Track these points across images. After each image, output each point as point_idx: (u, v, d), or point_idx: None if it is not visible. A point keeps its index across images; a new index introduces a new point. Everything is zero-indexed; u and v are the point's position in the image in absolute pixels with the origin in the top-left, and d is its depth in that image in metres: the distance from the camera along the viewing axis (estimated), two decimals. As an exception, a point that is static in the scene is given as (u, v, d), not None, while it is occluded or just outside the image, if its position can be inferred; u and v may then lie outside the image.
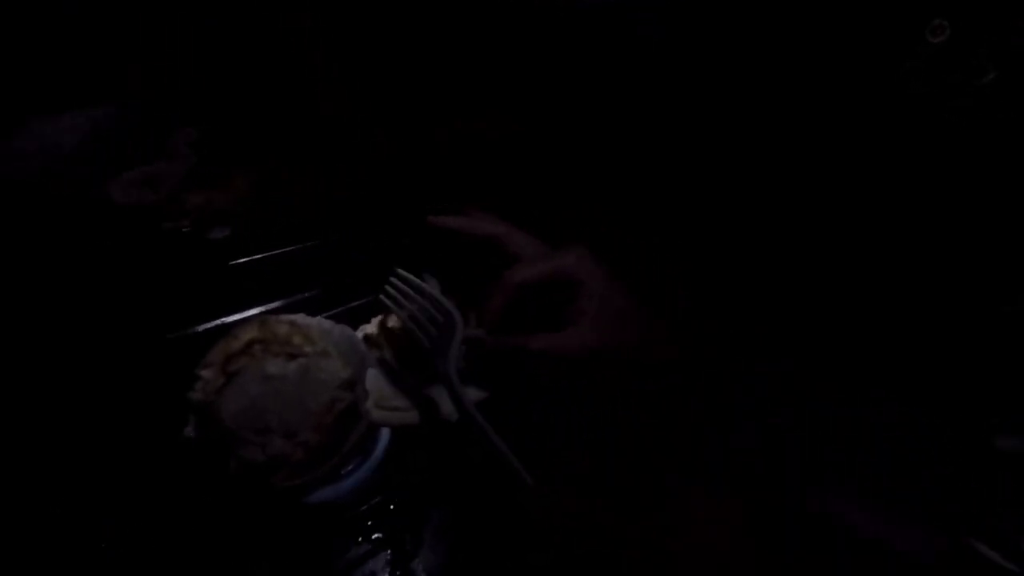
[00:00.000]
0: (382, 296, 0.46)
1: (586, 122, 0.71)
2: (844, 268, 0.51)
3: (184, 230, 0.53)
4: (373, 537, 0.48)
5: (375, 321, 0.55)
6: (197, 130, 0.61)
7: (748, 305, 0.52)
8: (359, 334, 0.51)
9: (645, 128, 0.66)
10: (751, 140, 0.57)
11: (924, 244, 0.47)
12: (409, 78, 0.73)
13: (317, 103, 0.72)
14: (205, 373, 0.45)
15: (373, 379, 0.49)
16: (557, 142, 0.72)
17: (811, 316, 0.50)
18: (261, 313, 0.56)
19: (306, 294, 0.60)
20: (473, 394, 0.44)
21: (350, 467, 0.48)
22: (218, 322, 0.56)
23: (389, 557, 0.47)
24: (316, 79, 0.71)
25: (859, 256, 0.50)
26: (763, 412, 0.43)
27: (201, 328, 0.55)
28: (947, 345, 0.45)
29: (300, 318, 0.49)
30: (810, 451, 0.40)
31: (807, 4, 0.51)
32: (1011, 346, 0.43)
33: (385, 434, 0.52)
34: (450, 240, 0.48)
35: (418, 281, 0.45)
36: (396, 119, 0.71)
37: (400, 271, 0.46)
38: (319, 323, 0.50)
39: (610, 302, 0.42)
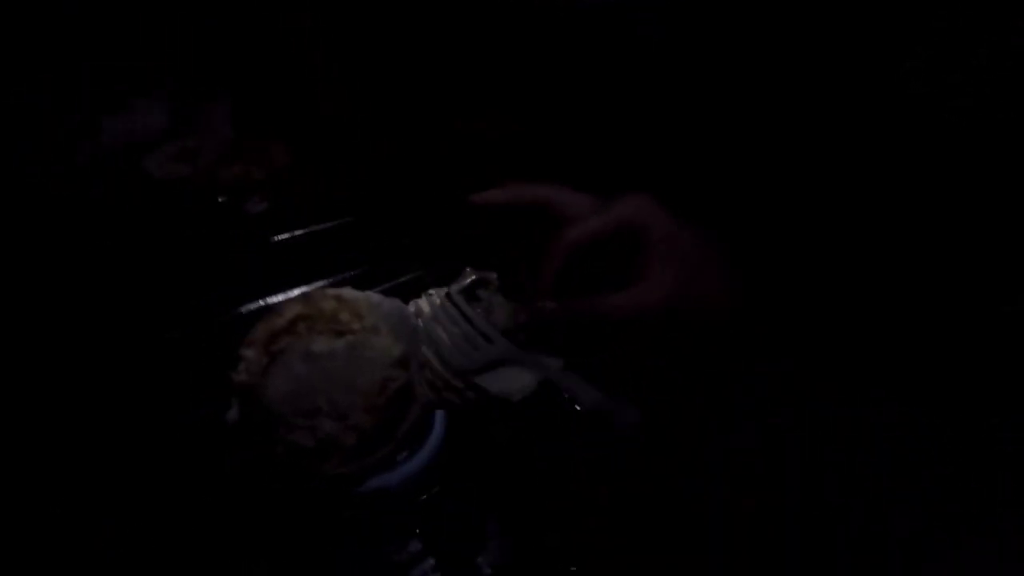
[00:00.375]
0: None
1: (586, 121, 0.68)
2: (843, 267, 0.46)
3: (220, 200, 0.50)
4: (430, 531, 0.44)
5: (428, 297, 0.51)
6: (233, 104, 0.58)
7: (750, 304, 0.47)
8: (410, 308, 0.47)
9: (645, 127, 0.62)
10: (751, 140, 0.53)
11: (924, 243, 0.43)
12: (409, 78, 0.70)
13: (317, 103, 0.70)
14: (248, 353, 0.42)
15: (428, 358, 0.45)
16: (557, 141, 0.69)
17: (811, 316, 0.45)
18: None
19: (351, 273, 0.57)
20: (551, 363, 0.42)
21: (405, 454, 0.44)
22: (261, 303, 0.53)
23: (448, 553, 0.43)
24: (316, 79, 0.69)
25: (859, 255, 0.46)
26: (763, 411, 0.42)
27: (244, 310, 0.52)
28: (947, 344, 0.41)
29: (347, 292, 0.45)
30: (810, 451, 0.39)
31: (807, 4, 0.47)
32: (1011, 346, 0.39)
33: (441, 419, 0.48)
34: (494, 218, 0.44)
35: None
36: (396, 119, 0.68)
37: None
38: (367, 297, 0.45)
39: (682, 246, 0.38)
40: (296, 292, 0.54)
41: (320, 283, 0.55)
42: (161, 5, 0.56)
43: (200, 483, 0.40)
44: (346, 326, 0.44)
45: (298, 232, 0.54)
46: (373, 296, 0.46)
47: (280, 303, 0.46)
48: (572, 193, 0.41)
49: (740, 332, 0.42)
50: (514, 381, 0.45)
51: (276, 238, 0.54)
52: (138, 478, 0.41)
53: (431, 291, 0.52)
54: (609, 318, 0.37)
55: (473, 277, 0.52)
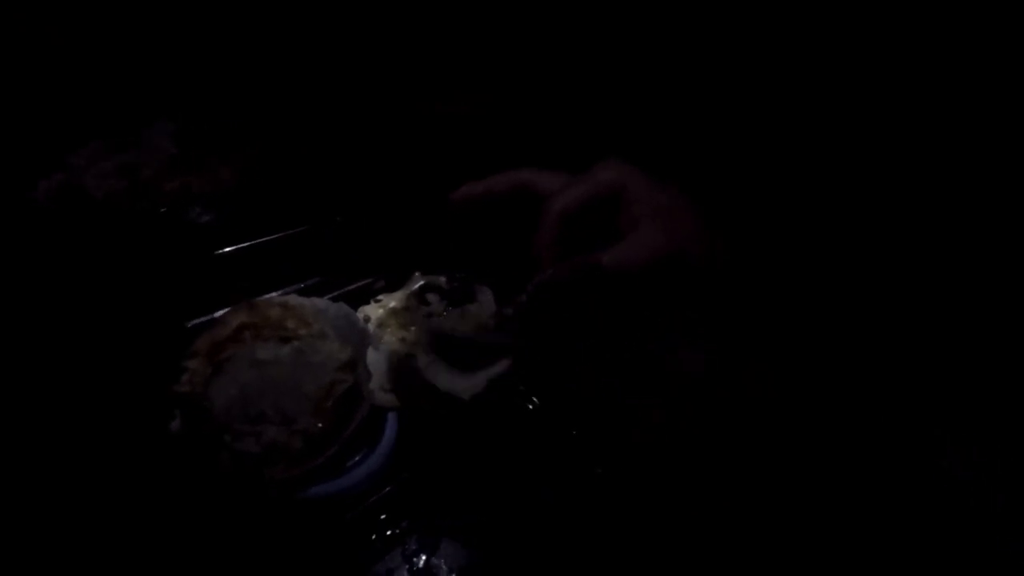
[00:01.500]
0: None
1: (556, 92, 0.69)
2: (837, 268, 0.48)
3: (162, 211, 0.49)
4: (387, 533, 0.43)
5: (377, 303, 0.51)
6: (176, 123, 0.58)
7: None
8: (359, 315, 0.47)
9: (632, 107, 0.63)
10: (745, 131, 0.55)
11: (922, 245, 0.45)
12: (386, 61, 0.70)
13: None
14: (191, 364, 0.41)
15: (376, 361, 0.46)
16: (528, 116, 0.70)
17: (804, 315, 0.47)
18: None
19: (301, 285, 0.56)
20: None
21: (356, 458, 0.44)
22: (208, 317, 0.52)
23: (405, 554, 0.43)
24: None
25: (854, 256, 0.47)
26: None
27: (190, 324, 0.52)
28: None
29: (292, 299, 0.46)
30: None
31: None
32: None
33: (392, 421, 0.48)
34: (475, 210, 0.45)
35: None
36: (376, 102, 0.68)
37: None
38: (313, 303, 0.46)
39: (661, 201, 0.39)
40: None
41: (269, 295, 0.55)
42: (103, 27, 0.56)
43: (189, 483, 0.39)
44: (292, 332, 0.44)
45: (244, 244, 0.54)
46: (319, 302, 0.46)
47: (225, 313, 0.45)
48: (550, 173, 0.42)
49: (723, 287, 0.42)
50: (464, 379, 0.46)
51: (222, 251, 0.53)
52: (123, 480, 0.40)
53: (380, 297, 0.53)
54: (604, 272, 0.38)
55: (422, 282, 0.53)
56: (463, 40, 0.67)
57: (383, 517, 0.44)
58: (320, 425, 0.39)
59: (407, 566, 0.42)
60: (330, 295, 0.53)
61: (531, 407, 0.49)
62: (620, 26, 0.61)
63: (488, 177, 0.44)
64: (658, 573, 0.42)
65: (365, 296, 0.50)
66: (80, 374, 0.46)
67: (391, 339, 0.49)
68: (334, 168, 0.61)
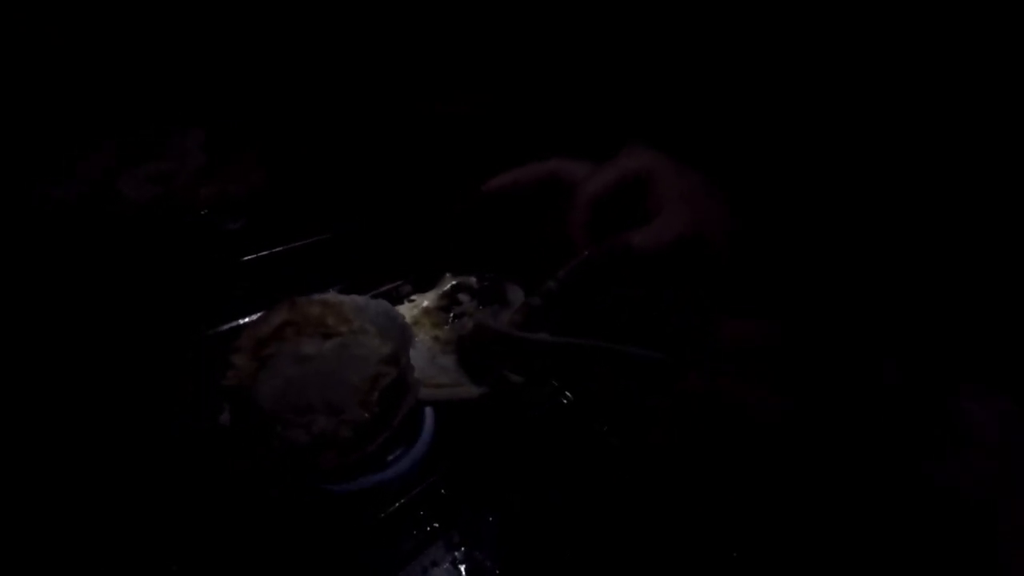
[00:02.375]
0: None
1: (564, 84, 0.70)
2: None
3: (202, 212, 0.50)
4: (429, 527, 0.44)
5: (410, 303, 0.53)
6: (206, 131, 0.59)
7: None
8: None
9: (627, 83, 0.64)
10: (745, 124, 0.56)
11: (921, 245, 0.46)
12: (388, 62, 0.72)
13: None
14: (236, 359, 0.42)
15: (415, 358, 0.47)
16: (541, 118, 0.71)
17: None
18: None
19: (333, 289, 0.57)
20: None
21: (396, 452, 0.45)
22: (244, 320, 0.53)
23: (447, 546, 0.43)
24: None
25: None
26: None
27: (224, 328, 0.52)
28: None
29: (332, 296, 0.47)
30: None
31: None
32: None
33: (430, 418, 0.48)
34: (506, 200, 0.46)
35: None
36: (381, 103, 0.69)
37: None
38: (352, 300, 0.47)
39: (687, 185, 0.40)
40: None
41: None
42: (132, 36, 0.57)
43: (192, 496, 0.39)
44: (333, 329, 0.45)
45: (277, 249, 0.55)
46: (359, 299, 0.47)
47: (266, 312, 0.46)
48: (577, 162, 0.43)
49: (744, 270, 0.43)
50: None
51: (255, 255, 0.54)
52: (123, 494, 0.40)
53: (413, 297, 0.54)
54: (635, 253, 0.39)
55: (453, 282, 0.54)
56: (463, 40, 0.69)
57: (423, 511, 0.44)
58: (367, 416, 0.39)
59: (450, 558, 0.43)
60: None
61: (565, 402, 0.49)
62: (621, 25, 0.63)
63: (516, 168, 0.45)
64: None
65: (392, 299, 0.51)
66: (112, 375, 0.46)
67: (425, 337, 0.50)
68: (355, 173, 0.62)
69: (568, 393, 0.50)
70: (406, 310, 0.51)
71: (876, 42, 0.46)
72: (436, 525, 0.43)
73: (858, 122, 0.48)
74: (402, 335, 0.44)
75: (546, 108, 0.71)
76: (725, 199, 0.42)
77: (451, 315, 0.52)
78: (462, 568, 0.42)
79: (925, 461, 0.25)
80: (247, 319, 0.51)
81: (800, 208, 0.48)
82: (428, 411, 0.47)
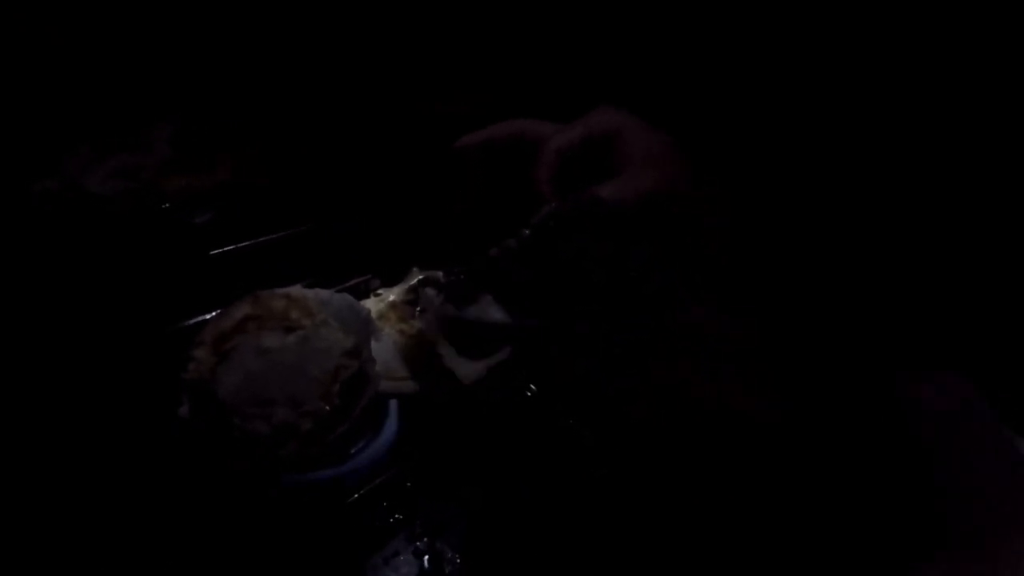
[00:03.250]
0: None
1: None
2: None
3: (165, 206, 0.50)
4: (391, 518, 0.44)
5: (376, 297, 0.53)
6: (173, 124, 0.59)
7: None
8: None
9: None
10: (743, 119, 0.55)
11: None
12: (386, 61, 0.72)
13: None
14: (197, 353, 0.42)
15: (379, 351, 0.47)
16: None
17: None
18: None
19: (301, 284, 0.57)
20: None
21: (360, 444, 0.45)
22: (209, 315, 0.53)
23: (409, 536, 0.44)
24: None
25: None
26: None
27: (190, 322, 0.52)
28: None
29: (295, 290, 0.47)
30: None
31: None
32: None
33: (394, 411, 0.49)
34: (476, 160, 0.46)
35: None
36: (376, 102, 0.69)
37: None
38: (316, 294, 0.47)
39: (654, 144, 0.40)
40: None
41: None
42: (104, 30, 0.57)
43: (197, 472, 0.40)
44: (296, 322, 0.45)
45: (240, 244, 0.55)
46: (323, 293, 0.47)
47: (229, 305, 0.46)
48: (546, 123, 0.43)
49: (717, 229, 0.43)
50: (464, 368, 0.47)
51: (220, 250, 0.54)
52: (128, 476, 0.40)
53: (379, 291, 0.54)
54: (604, 205, 0.39)
55: (420, 276, 0.54)
56: (463, 40, 0.69)
57: (386, 502, 0.44)
58: (328, 407, 0.39)
59: (411, 548, 0.43)
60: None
61: (529, 394, 0.50)
62: (621, 25, 0.63)
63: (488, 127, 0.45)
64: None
65: (359, 294, 0.51)
66: (81, 370, 0.46)
67: (391, 331, 0.50)
68: (329, 168, 0.62)
69: (532, 386, 0.51)
70: (372, 304, 0.51)
71: (863, 33, 0.46)
72: (399, 516, 0.44)
73: (851, 120, 0.49)
74: (365, 328, 0.44)
75: (546, 108, 0.71)
76: (692, 159, 0.42)
77: (417, 309, 0.52)
78: (424, 559, 0.43)
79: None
80: (213, 314, 0.51)
81: (794, 202, 0.48)
82: (393, 404, 0.48)
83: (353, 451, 0.44)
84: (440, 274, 0.54)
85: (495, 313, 0.43)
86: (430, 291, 0.53)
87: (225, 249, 0.54)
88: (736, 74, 0.54)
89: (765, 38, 0.52)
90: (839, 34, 0.47)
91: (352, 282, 0.55)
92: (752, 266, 0.44)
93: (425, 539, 0.44)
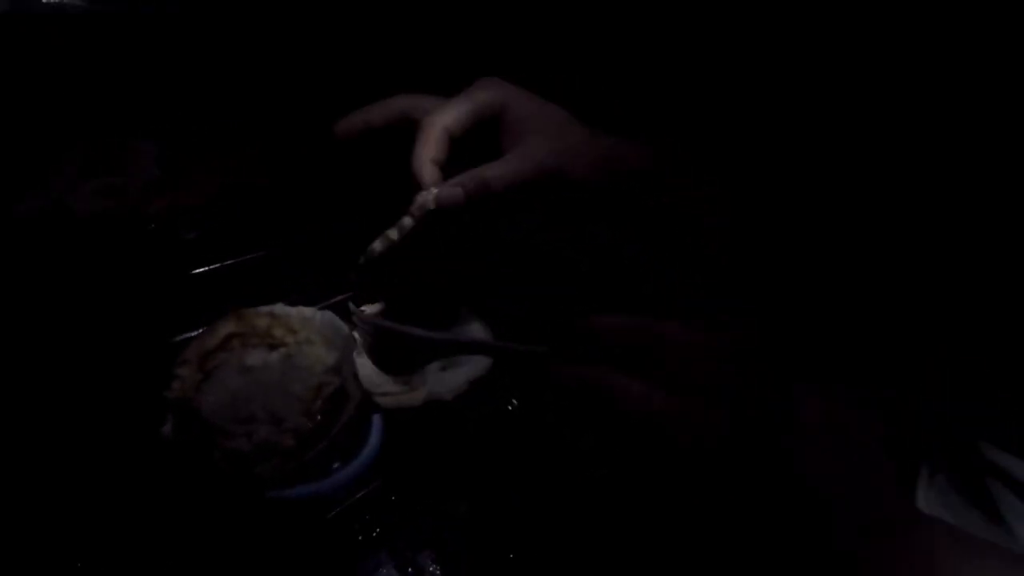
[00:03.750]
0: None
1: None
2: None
3: (152, 227, 0.51)
4: (374, 533, 0.45)
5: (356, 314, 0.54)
6: (158, 145, 0.60)
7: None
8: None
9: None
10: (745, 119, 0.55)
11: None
12: (372, 73, 0.72)
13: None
14: (181, 371, 0.43)
15: (361, 367, 0.48)
16: None
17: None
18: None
19: (283, 303, 0.58)
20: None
21: (342, 460, 0.46)
22: (194, 333, 0.53)
23: (392, 551, 0.44)
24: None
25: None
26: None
27: (176, 339, 0.53)
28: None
29: (278, 308, 0.47)
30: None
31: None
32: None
33: (377, 426, 0.49)
34: (358, 145, 0.43)
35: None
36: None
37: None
38: (299, 312, 0.48)
39: (543, 117, 0.39)
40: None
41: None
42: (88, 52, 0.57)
43: (180, 490, 0.40)
44: (279, 340, 0.46)
45: (228, 261, 0.56)
46: (305, 311, 0.48)
47: (213, 324, 0.47)
48: (431, 98, 0.40)
49: (717, 229, 0.41)
50: (447, 382, 0.48)
51: (208, 267, 0.55)
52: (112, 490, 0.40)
53: (364, 308, 0.55)
54: (494, 187, 0.36)
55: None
56: (456, 46, 0.69)
57: (368, 516, 0.45)
58: (310, 424, 0.40)
59: (394, 563, 0.44)
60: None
61: (510, 408, 0.51)
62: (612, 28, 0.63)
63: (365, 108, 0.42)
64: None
65: (342, 312, 0.52)
66: (66, 386, 0.47)
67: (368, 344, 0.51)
68: (309, 186, 0.63)
69: (514, 400, 0.52)
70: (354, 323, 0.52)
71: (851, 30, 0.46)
72: (379, 530, 0.44)
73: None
74: (346, 345, 0.45)
75: None
76: (585, 129, 0.40)
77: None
78: (407, 572, 0.44)
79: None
80: (197, 332, 0.51)
81: (793, 202, 0.48)
82: (376, 418, 0.48)
83: (335, 466, 0.44)
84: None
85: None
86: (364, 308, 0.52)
87: (210, 267, 0.55)
88: (734, 75, 0.55)
89: (763, 37, 0.53)
90: (836, 34, 0.48)
91: (336, 299, 0.55)
92: (752, 266, 0.44)
93: (408, 553, 0.44)
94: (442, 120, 0.37)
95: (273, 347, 0.46)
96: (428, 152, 0.37)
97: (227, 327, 0.46)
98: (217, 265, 0.55)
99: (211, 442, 0.39)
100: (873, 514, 0.22)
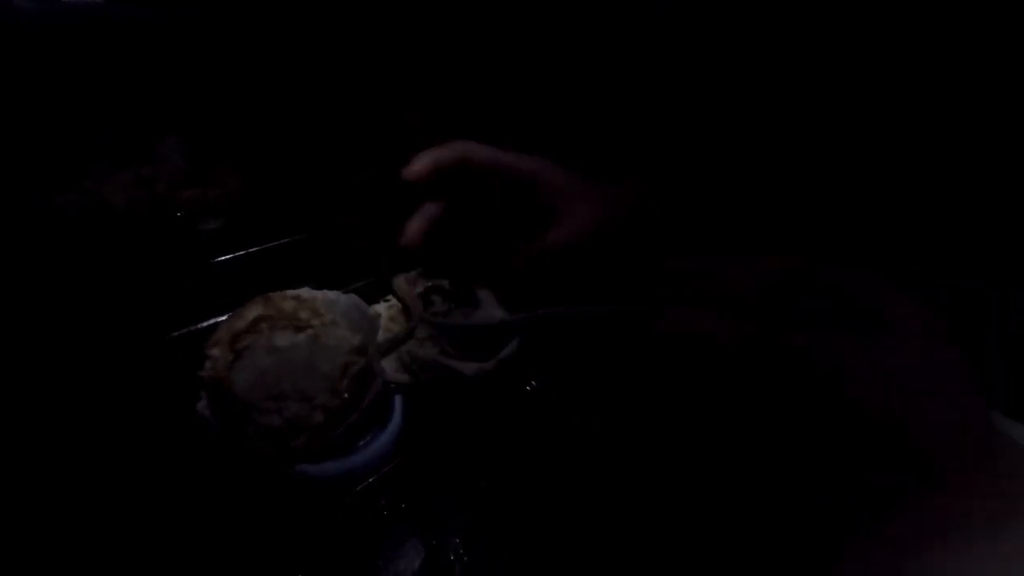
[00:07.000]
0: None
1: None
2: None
3: (179, 215, 0.53)
4: (397, 509, 0.46)
5: (386, 302, 0.55)
6: (186, 139, 0.62)
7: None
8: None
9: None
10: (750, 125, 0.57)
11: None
12: (372, 72, 0.74)
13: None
14: (213, 352, 0.44)
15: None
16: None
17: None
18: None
19: (308, 287, 0.60)
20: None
21: (367, 438, 0.47)
22: (222, 318, 0.55)
23: (415, 528, 0.45)
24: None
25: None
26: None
27: (205, 324, 0.55)
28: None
29: (305, 292, 0.49)
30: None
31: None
32: None
33: (399, 407, 0.51)
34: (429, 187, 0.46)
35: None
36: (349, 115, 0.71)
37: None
38: (324, 295, 0.49)
39: (585, 188, 0.44)
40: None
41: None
42: (113, 46, 0.59)
43: (213, 468, 0.42)
44: (306, 322, 0.47)
45: (253, 249, 0.57)
46: (330, 294, 0.50)
47: (241, 307, 0.48)
48: (485, 147, 0.45)
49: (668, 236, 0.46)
50: (471, 364, 0.50)
51: (234, 254, 0.57)
52: (97, 487, 0.42)
53: (388, 297, 0.56)
54: (554, 247, 0.43)
55: (428, 284, 0.57)
56: (450, 50, 0.70)
57: (393, 492, 0.46)
58: (338, 401, 0.42)
59: (418, 536, 0.45)
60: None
61: (528, 388, 0.52)
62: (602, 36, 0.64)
63: (429, 150, 0.45)
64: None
65: (366, 296, 0.54)
66: (99, 370, 0.49)
67: (401, 330, 0.53)
68: (330, 175, 0.65)
69: (533, 382, 0.53)
70: (383, 308, 0.54)
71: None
72: (403, 506, 0.46)
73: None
74: (371, 327, 0.47)
75: (517, 122, 0.72)
76: (610, 193, 0.46)
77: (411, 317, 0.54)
78: (431, 546, 0.45)
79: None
80: (226, 316, 0.53)
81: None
82: (397, 399, 0.50)
83: (361, 443, 0.46)
84: (446, 282, 0.56)
85: (496, 315, 0.45)
86: (436, 298, 0.55)
87: (236, 254, 0.57)
88: (730, 78, 0.56)
89: (762, 38, 0.53)
90: (834, 37, 0.49)
91: (358, 284, 0.57)
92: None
93: (431, 527, 0.46)
94: (479, 157, 0.43)
95: (300, 329, 0.47)
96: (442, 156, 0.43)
97: (255, 310, 0.47)
98: (242, 252, 0.57)
99: (244, 418, 0.41)
100: (955, 418, 0.22)
